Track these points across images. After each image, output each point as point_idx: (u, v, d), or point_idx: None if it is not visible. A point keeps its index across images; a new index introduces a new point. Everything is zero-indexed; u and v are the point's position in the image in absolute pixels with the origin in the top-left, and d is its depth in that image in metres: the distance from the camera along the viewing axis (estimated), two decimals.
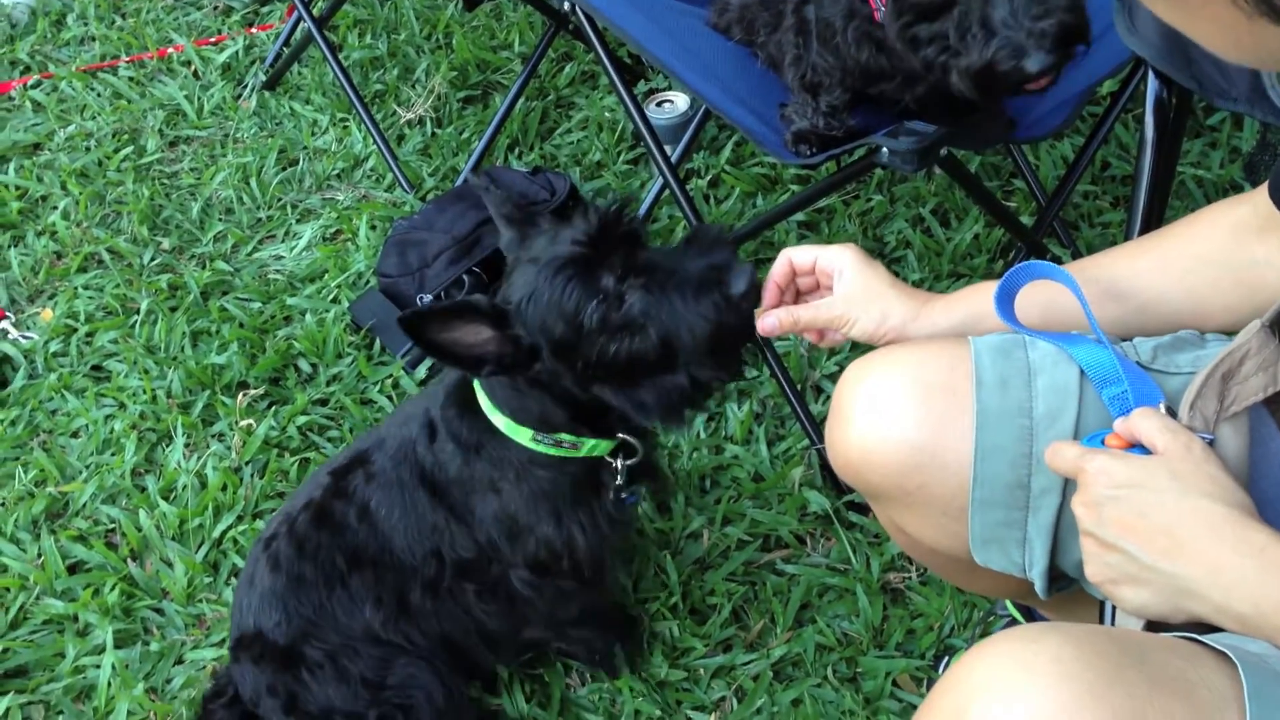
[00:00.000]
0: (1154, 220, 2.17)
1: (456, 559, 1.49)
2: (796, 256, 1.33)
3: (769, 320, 1.30)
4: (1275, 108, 1.36)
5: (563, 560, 1.48)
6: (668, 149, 2.45)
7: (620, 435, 1.43)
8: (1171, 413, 1.07)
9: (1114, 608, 1.04)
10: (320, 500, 1.49)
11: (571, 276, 1.25)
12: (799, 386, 2.06)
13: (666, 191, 2.19)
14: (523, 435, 1.40)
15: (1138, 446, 1.01)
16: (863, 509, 1.88)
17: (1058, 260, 2.12)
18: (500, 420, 1.41)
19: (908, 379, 1.18)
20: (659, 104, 2.65)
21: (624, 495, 1.49)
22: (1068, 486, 1.12)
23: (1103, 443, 1.03)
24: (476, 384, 1.43)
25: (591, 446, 1.43)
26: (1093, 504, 0.98)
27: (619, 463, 1.47)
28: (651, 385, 1.30)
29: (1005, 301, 1.18)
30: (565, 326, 1.26)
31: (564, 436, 1.41)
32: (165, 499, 1.95)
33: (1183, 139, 2.19)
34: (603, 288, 1.25)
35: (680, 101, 2.63)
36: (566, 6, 2.02)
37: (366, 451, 1.51)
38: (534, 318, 1.27)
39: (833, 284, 1.31)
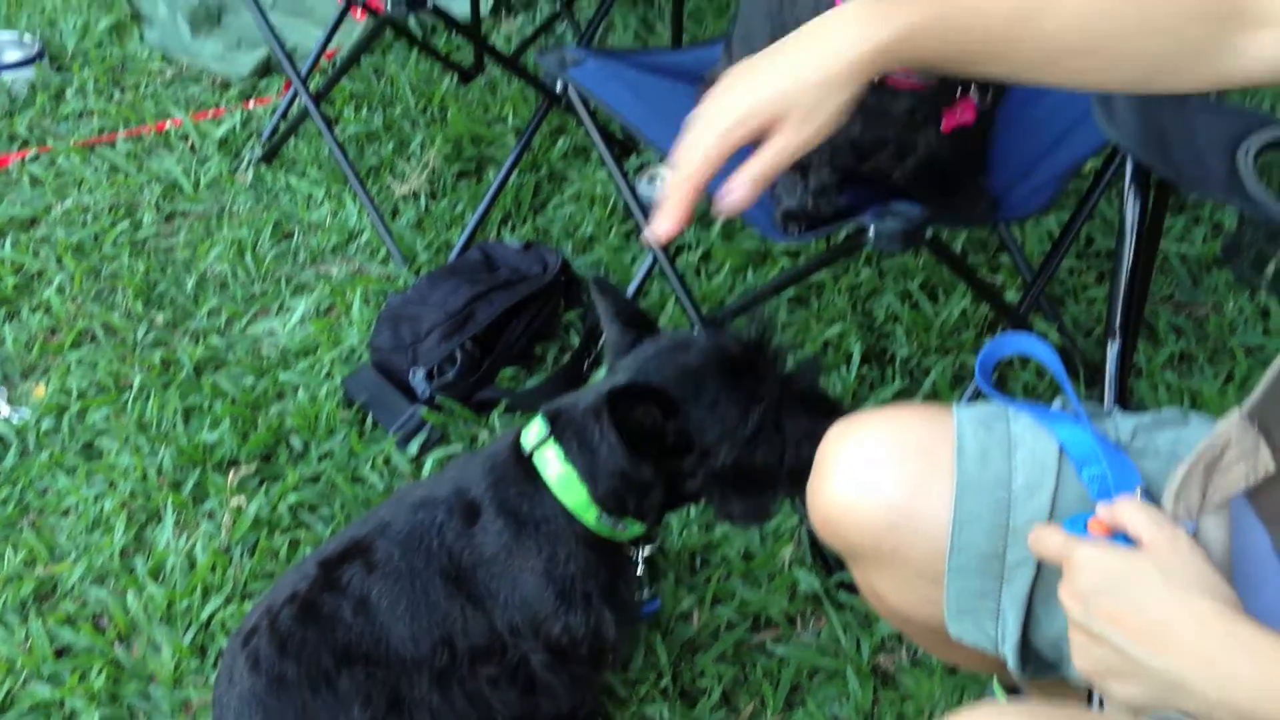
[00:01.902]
0: (1135, 300, 2.19)
1: (470, 646, 1.47)
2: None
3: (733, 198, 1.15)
4: (1252, 198, 1.38)
5: (583, 646, 1.49)
6: None
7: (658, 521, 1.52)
8: (1151, 498, 1.08)
9: (1101, 699, 1.05)
10: (307, 593, 1.47)
11: (736, 384, 1.38)
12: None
13: (658, 267, 2.21)
14: (589, 515, 1.45)
15: (1120, 534, 1.02)
16: (853, 588, 1.88)
17: (1043, 336, 2.15)
18: (572, 496, 1.44)
19: (890, 441, 1.21)
20: (650, 179, 2.68)
21: (644, 602, 1.52)
22: (1043, 561, 1.14)
23: (1085, 527, 1.04)
24: (541, 459, 1.47)
25: (634, 532, 1.49)
26: (1081, 596, 0.98)
27: (639, 552, 1.52)
28: (749, 493, 1.44)
29: (985, 373, 1.21)
30: (722, 437, 1.38)
31: (627, 520, 1.47)
32: (154, 579, 1.94)
33: (1164, 217, 2.21)
34: (760, 397, 1.38)
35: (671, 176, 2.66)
36: (559, 87, 2.05)
37: (365, 539, 1.49)
38: (697, 414, 1.38)
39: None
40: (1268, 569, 1.12)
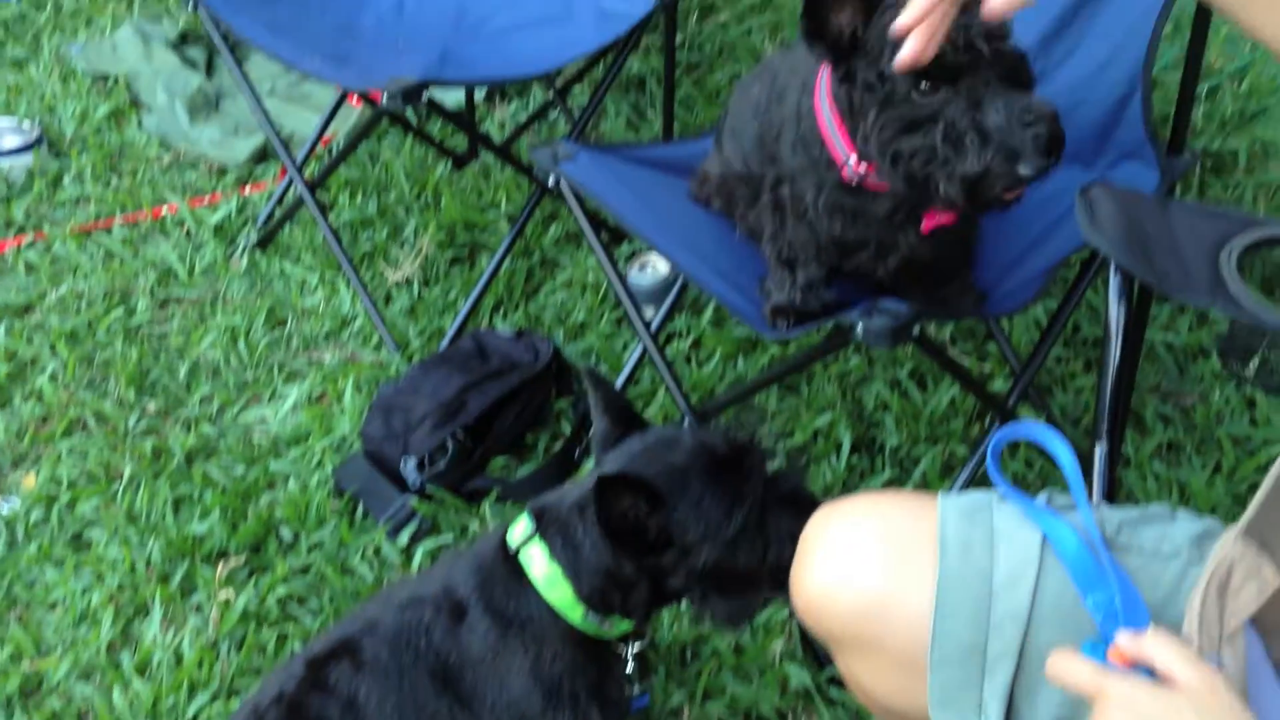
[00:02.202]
0: (1124, 394, 2.20)
1: None
2: None
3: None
4: (1235, 302, 1.40)
5: None
6: (650, 310, 2.51)
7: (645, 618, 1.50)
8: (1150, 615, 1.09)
9: None
10: (294, 694, 1.46)
11: (720, 484, 1.39)
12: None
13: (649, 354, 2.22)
14: (575, 613, 1.44)
15: (1142, 666, 1.02)
16: (844, 684, 1.87)
17: None
18: (558, 594, 1.44)
19: (872, 528, 1.23)
20: (641, 266, 2.70)
21: (633, 698, 1.50)
22: (1024, 652, 1.14)
23: (1104, 655, 1.04)
24: (527, 556, 1.47)
25: (622, 629, 1.48)
26: None
27: (629, 650, 1.51)
28: (731, 594, 1.43)
29: (995, 455, 1.23)
30: (704, 526, 1.38)
31: (614, 618, 1.46)
32: (140, 675, 1.93)
33: (1150, 307, 2.24)
34: (744, 497, 1.38)
35: (662, 264, 2.69)
36: (551, 181, 2.08)
37: (353, 638, 1.49)
38: (681, 511, 1.38)
39: None
40: (1262, 677, 1.12)
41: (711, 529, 1.39)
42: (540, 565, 1.46)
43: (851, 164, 1.71)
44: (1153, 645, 1.01)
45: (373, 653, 1.47)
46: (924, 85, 1.54)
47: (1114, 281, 1.53)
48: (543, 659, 1.46)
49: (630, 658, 1.52)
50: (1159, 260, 1.44)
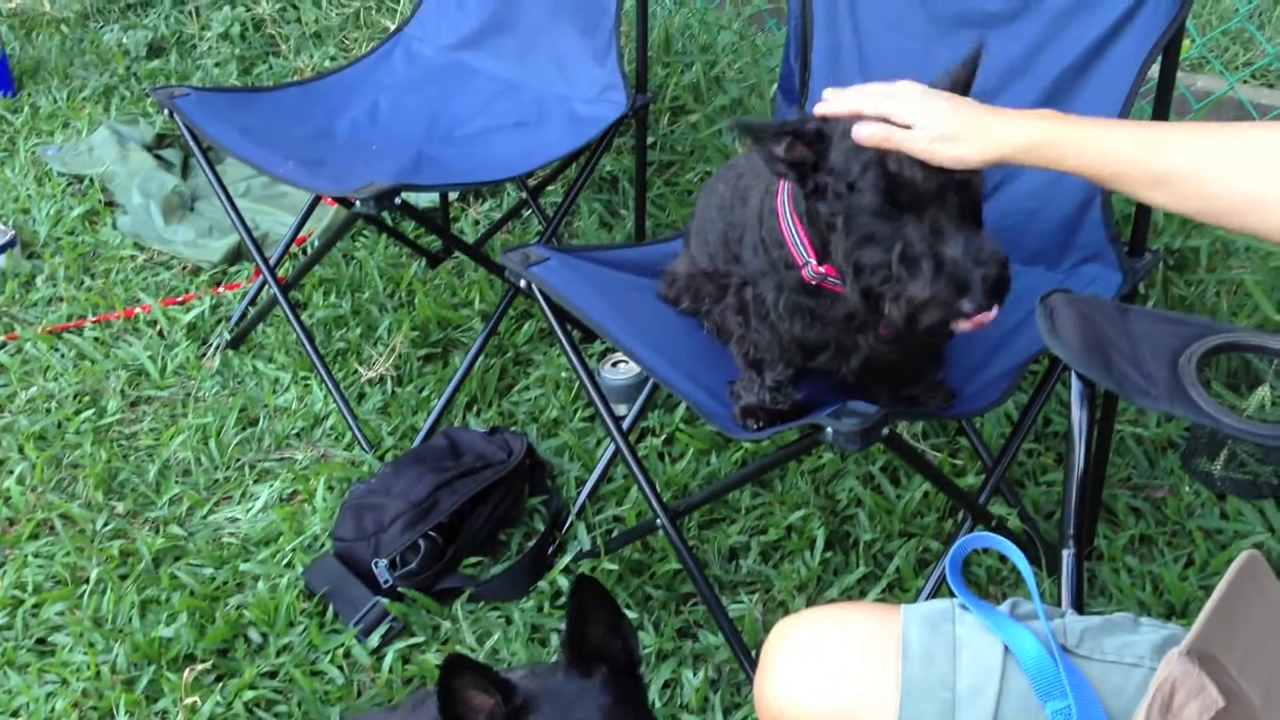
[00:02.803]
0: (1093, 489, 2.22)
1: None
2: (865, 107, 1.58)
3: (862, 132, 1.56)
4: (1196, 406, 1.42)
5: None
6: (623, 408, 2.52)
7: None
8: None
9: None
10: None
11: None
12: (753, 653, 2.05)
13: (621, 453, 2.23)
14: None
15: None
16: None
17: (1003, 522, 2.17)
18: None
19: (832, 639, 1.24)
20: (614, 364, 2.72)
21: None
22: None
23: None
24: None
25: None
26: None
27: None
28: None
29: (955, 569, 1.24)
30: None
31: None
32: None
33: (1118, 402, 2.27)
34: None
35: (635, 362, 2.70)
36: (523, 284, 2.10)
37: None
38: None
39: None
40: None
41: None
42: None
43: (811, 265, 1.74)
44: None
45: None
46: (889, 205, 1.58)
47: (1075, 387, 1.56)
48: None
49: None
50: (1118, 365, 1.47)
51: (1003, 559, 2.25)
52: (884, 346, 1.82)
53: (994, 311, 1.58)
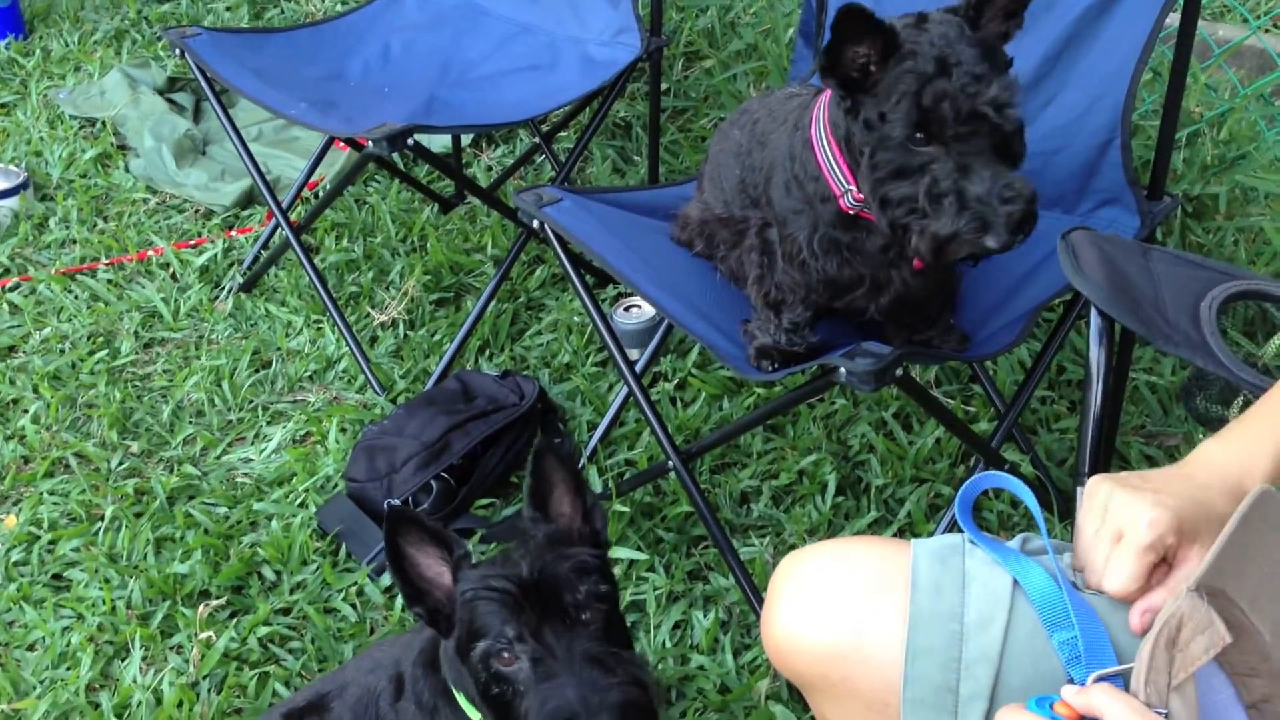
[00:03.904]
0: (1107, 434, 2.21)
1: None
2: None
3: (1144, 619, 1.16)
4: (1215, 357, 1.41)
5: None
6: (635, 353, 2.52)
7: None
8: (1118, 659, 1.09)
9: None
10: None
11: (491, 606, 1.28)
12: (764, 595, 2.06)
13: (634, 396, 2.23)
14: (474, 713, 1.38)
15: (1089, 719, 1.02)
16: None
17: (1016, 468, 2.17)
18: (457, 693, 1.39)
19: (839, 572, 1.23)
20: (626, 309, 2.71)
21: None
22: (995, 693, 1.15)
23: (1051, 708, 1.04)
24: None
25: None
26: None
27: None
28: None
29: (965, 508, 1.24)
30: (465, 637, 1.29)
31: None
32: (119, 717, 1.91)
33: (1132, 349, 2.26)
34: (502, 633, 1.27)
35: (648, 306, 2.70)
36: (536, 224, 2.09)
37: (326, 696, 1.48)
38: (459, 608, 1.30)
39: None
40: (1232, 719, 1.12)
41: (466, 645, 1.29)
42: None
43: (851, 193, 1.73)
44: (1099, 698, 1.02)
45: (338, 714, 1.47)
46: (919, 136, 1.57)
47: (1094, 324, 1.55)
48: None
49: None
50: (1143, 307, 1.46)
51: (1014, 504, 2.25)
52: (917, 281, 1.81)
53: None
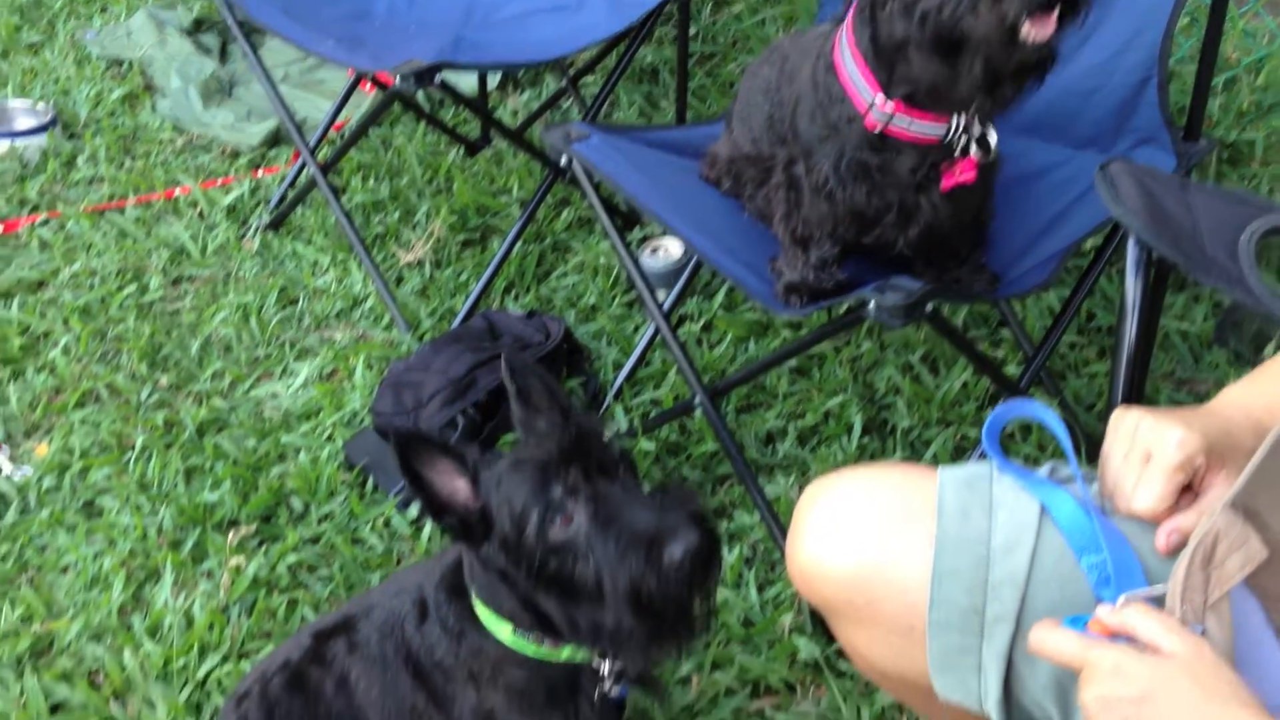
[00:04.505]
0: (1138, 377, 2.20)
1: None
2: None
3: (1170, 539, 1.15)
4: (1251, 291, 1.40)
5: None
6: (662, 294, 2.51)
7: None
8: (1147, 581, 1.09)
9: None
10: (298, 663, 1.47)
11: (529, 479, 1.26)
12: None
13: (660, 336, 2.23)
14: (503, 629, 1.39)
15: (1122, 637, 1.02)
16: None
17: None
18: (484, 611, 1.40)
19: (863, 498, 1.24)
20: (653, 250, 2.71)
21: (612, 693, 1.44)
22: (1021, 616, 1.15)
23: (1085, 627, 1.04)
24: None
25: (573, 652, 1.40)
26: (1109, 701, 0.98)
27: (606, 667, 1.42)
28: (585, 612, 1.28)
29: (993, 434, 1.23)
30: (510, 523, 1.26)
31: (544, 636, 1.39)
32: (151, 637, 1.93)
33: (1165, 294, 2.25)
34: (549, 496, 1.24)
35: (674, 248, 2.69)
36: (564, 161, 2.09)
37: (354, 618, 1.49)
38: (494, 501, 1.28)
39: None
40: (1263, 642, 1.12)
41: (515, 525, 1.26)
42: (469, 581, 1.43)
43: (877, 104, 1.72)
44: (1135, 617, 1.02)
45: (365, 635, 1.47)
46: None
47: (1131, 255, 1.53)
48: (493, 674, 1.41)
49: (609, 674, 1.42)
50: (1180, 239, 1.44)
51: (1041, 447, 2.24)
52: (946, 208, 1.80)
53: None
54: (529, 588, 1.31)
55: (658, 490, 1.28)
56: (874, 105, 1.72)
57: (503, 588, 1.35)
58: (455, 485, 1.31)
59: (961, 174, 1.76)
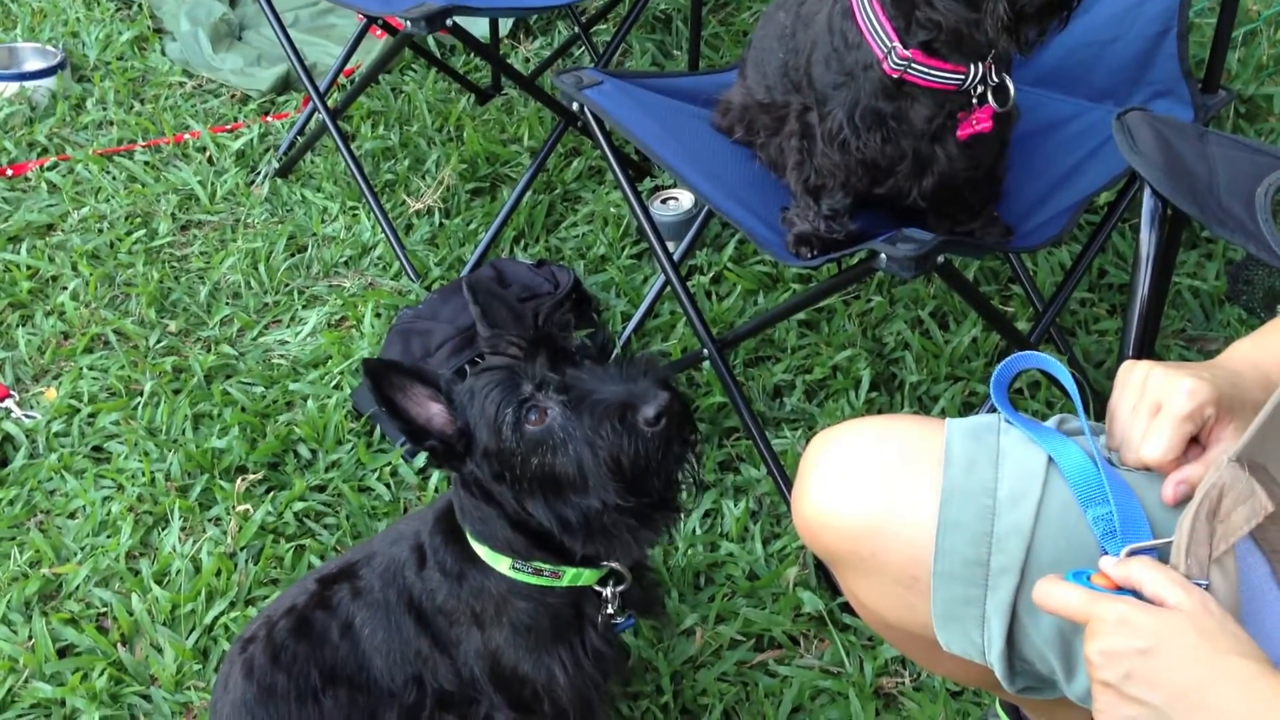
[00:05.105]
0: (1149, 332, 2.19)
1: (439, 689, 1.47)
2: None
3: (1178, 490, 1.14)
4: (1267, 244, 1.38)
5: (544, 701, 1.44)
6: (671, 245, 2.49)
7: (605, 564, 1.41)
8: (1152, 532, 1.09)
9: None
10: (303, 608, 1.48)
11: (498, 383, 1.27)
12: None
13: (669, 288, 2.22)
14: (502, 563, 1.39)
15: (1127, 591, 1.02)
16: None
17: None
18: (481, 549, 1.40)
19: (870, 448, 1.23)
20: (664, 201, 2.69)
21: (616, 621, 1.46)
22: (1026, 568, 1.14)
23: (1089, 580, 1.04)
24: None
25: (574, 576, 1.41)
26: (1111, 654, 0.97)
27: (609, 590, 1.44)
28: (574, 505, 1.29)
29: (1001, 386, 1.22)
30: (489, 431, 1.27)
31: (543, 565, 1.39)
32: (158, 583, 1.94)
33: (1178, 251, 2.22)
34: (520, 395, 1.26)
35: (685, 199, 2.68)
36: (575, 107, 2.07)
37: (356, 565, 1.50)
38: (470, 414, 1.29)
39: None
40: (1267, 596, 1.12)
41: (492, 431, 1.27)
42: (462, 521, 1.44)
43: (895, 52, 1.70)
44: (1140, 570, 1.01)
45: (368, 582, 1.49)
46: None
47: (1147, 206, 1.51)
48: (496, 611, 1.43)
49: (611, 597, 1.45)
50: (1197, 190, 1.42)
51: (1050, 405, 2.23)
52: (961, 159, 1.78)
53: None
54: (517, 501, 1.32)
55: (622, 363, 1.30)
56: (892, 53, 1.70)
57: (493, 513, 1.36)
58: (431, 410, 1.32)
59: (979, 123, 1.73)
